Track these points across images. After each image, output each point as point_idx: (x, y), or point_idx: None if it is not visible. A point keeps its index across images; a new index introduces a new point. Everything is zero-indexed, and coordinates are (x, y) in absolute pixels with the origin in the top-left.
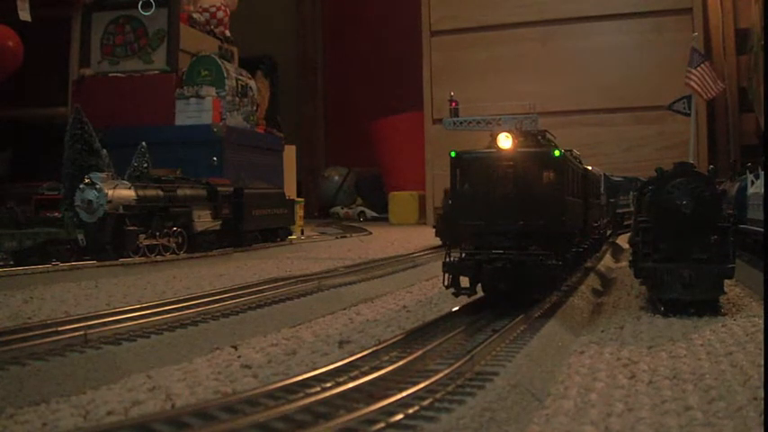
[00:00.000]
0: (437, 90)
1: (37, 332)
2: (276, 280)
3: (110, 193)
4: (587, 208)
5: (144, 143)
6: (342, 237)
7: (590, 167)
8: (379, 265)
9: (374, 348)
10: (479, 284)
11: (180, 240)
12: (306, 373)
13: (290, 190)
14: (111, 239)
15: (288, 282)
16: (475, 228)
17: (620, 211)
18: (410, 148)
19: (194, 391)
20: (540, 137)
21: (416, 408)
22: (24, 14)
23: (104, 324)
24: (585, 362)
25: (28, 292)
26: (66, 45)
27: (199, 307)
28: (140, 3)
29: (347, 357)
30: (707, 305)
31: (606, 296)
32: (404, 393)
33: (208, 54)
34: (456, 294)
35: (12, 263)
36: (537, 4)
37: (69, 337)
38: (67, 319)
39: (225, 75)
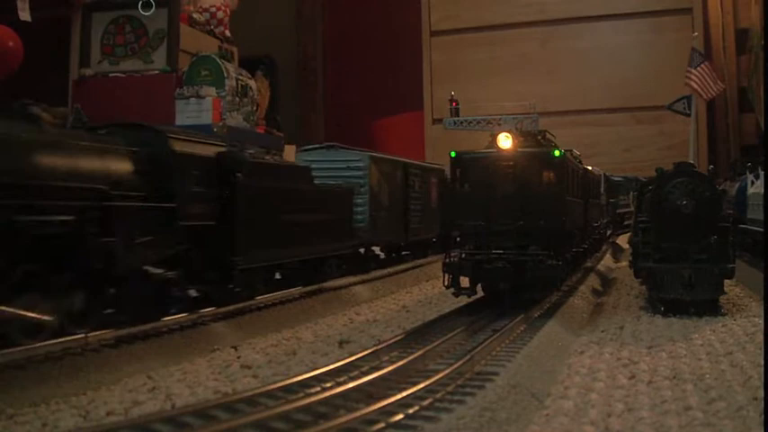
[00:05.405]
0: (437, 90)
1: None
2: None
3: None
4: (587, 208)
5: None
6: None
7: (590, 167)
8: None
9: (374, 348)
10: (479, 284)
11: None
12: (306, 373)
13: None
14: None
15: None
16: (475, 228)
17: (620, 211)
18: (410, 147)
19: (194, 391)
20: (540, 137)
21: (416, 408)
22: (24, 14)
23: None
24: (585, 362)
25: None
26: (67, 45)
27: None
28: (140, 3)
29: (347, 357)
30: (707, 305)
31: (606, 296)
32: (404, 393)
33: (208, 54)
34: (456, 294)
35: None
36: (537, 4)
37: (69, 339)
38: None
39: (225, 75)
